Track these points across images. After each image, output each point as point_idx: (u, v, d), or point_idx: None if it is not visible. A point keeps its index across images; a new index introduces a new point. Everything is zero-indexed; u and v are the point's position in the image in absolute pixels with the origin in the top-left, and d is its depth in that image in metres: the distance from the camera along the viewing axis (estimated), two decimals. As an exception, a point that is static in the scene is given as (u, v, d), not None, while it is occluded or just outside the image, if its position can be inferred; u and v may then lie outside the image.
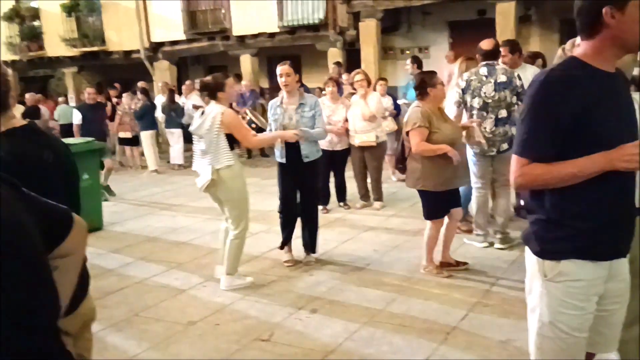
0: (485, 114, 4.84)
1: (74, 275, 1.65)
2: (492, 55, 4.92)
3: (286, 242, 5.06)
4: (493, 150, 4.84)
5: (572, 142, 1.79)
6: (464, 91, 4.91)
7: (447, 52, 11.23)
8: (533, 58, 6.47)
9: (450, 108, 4.93)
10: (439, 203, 4.47)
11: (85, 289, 2.06)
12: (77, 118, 8.84)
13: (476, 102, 4.85)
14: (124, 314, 4.20)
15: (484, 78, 4.83)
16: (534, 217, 1.96)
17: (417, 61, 8.43)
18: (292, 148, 4.72)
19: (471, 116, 4.89)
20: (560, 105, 1.77)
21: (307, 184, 4.91)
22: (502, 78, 4.78)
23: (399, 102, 8.39)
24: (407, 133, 4.39)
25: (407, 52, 13.06)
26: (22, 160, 1.82)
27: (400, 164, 4.64)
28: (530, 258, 1.99)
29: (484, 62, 4.90)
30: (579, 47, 1.91)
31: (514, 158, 1.89)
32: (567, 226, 1.86)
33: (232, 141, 4.38)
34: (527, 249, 2.01)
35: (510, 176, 1.91)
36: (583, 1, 1.82)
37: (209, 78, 4.53)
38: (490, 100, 4.80)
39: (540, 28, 11.79)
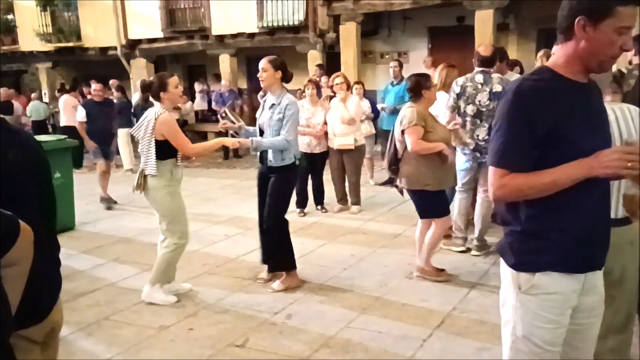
0: (479, 121, 4.84)
1: (20, 285, 1.57)
2: (489, 62, 4.90)
3: (264, 257, 4.69)
4: (485, 157, 4.82)
5: (546, 152, 1.77)
6: (458, 96, 4.90)
7: (425, 57, 11.29)
8: (511, 66, 6.53)
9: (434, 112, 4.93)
10: (441, 200, 4.54)
11: (55, 295, 1.97)
12: (80, 115, 7.94)
13: (470, 109, 4.85)
14: (94, 318, 4.09)
15: (480, 86, 4.82)
16: (509, 228, 1.94)
17: (402, 65, 8.47)
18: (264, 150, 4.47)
19: (464, 122, 4.90)
20: (534, 114, 1.75)
21: (269, 191, 4.45)
22: (498, 87, 4.75)
23: (378, 106, 8.39)
24: (402, 132, 4.37)
25: (387, 56, 13.10)
26: None
27: (394, 165, 4.54)
28: (504, 270, 1.96)
29: (480, 69, 4.88)
30: (552, 55, 1.91)
31: (492, 170, 1.84)
32: (543, 238, 1.84)
33: (168, 150, 4.14)
34: (502, 260, 1.98)
35: (489, 189, 1.87)
36: (567, 1, 1.80)
37: (151, 78, 4.30)
38: (484, 109, 4.80)
39: (518, 36, 11.94)
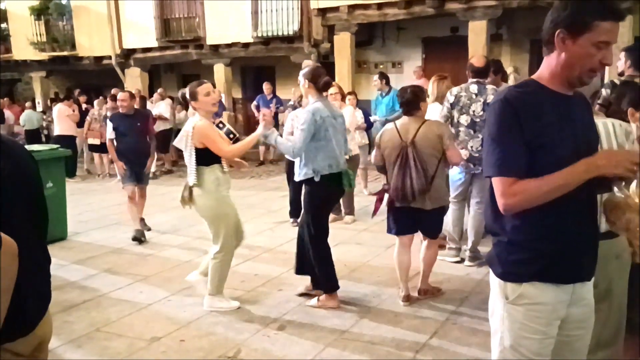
0: (472, 132, 4.84)
1: (4, 301, 1.54)
2: (483, 73, 4.92)
3: (297, 268, 4.53)
4: (479, 168, 4.82)
5: (530, 160, 1.78)
6: (452, 106, 4.90)
7: (415, 68, 11.33)
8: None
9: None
10: None
11: (44, 308, 1.93)
12: (109, 130, 6.68)
13: (464, 119, 4.86)
14: (85, 329, 4.05)
15: (474, 96, 4.83)
16: (496, 239, 1.95)
17: (384, 77, 8.46)
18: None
19: (458, 133, 4.89)
20: (523, 120, 1.77)
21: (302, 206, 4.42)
22: (491, 98, 4.77)
23: (371, 118, 8.40)
24: (444, 150, 4.12)
25: (381, 66, 13.16)
26: None
27: (429, 183, 4.11)
28: (493, 280, 1.97)
29: (475, 80, 4.90)
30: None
31: (497, 180, 1.81)
32: (529, 248, 1.85)
33: (211, 156, 4.15)
34: (490, 271, 1.99)
35: (498, 201, 1.81)
36: (549, 14, 1.83)
37: (186, 88, 4.35)
38: (478, 120, 4.80)
39: (510, 47, 12.02)
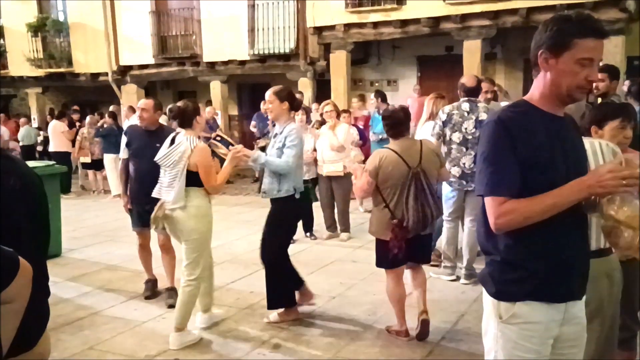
0: (464, 149, 4.88)
1: (15, 323, 1.55)
2: (474, 92, 4.99)
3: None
4: (471, 185, 4.84)
5: (523, 179, 1.80)
6: (444, 124, 4.95)
7: (414, 86, 11.45)
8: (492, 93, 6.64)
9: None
10: None
11: (43, 326, 1.93)
12: (121, 149, 5.02)
13: (456, 137, 4.90)
14: (78, 347, 4.01)
15: (466, 114, 4.88)
16: (489, 258, 1.96)
17: (380, 95, 8.51)
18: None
19: (450, 150, 4.92)
20: (516, 140, 1.80)
21: (266, 224, 4.36)
22: (484, 116, 4.81)
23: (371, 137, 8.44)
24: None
25: (377, 84, 13.26)
26: None
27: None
28: (486, 299, 1.98)
29: (466, 98, 4.95)
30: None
31: (488, 200, 1.83)
32: (522, 268, 1.86)
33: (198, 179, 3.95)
34: (483, 289, 1.99)
35: (489, 220, 1.83)
36: (534, 37, 1.87)
37: (180, 103, 4.05)
38: (470, 137, 4.85)
39: (505, 65, 12.17)
